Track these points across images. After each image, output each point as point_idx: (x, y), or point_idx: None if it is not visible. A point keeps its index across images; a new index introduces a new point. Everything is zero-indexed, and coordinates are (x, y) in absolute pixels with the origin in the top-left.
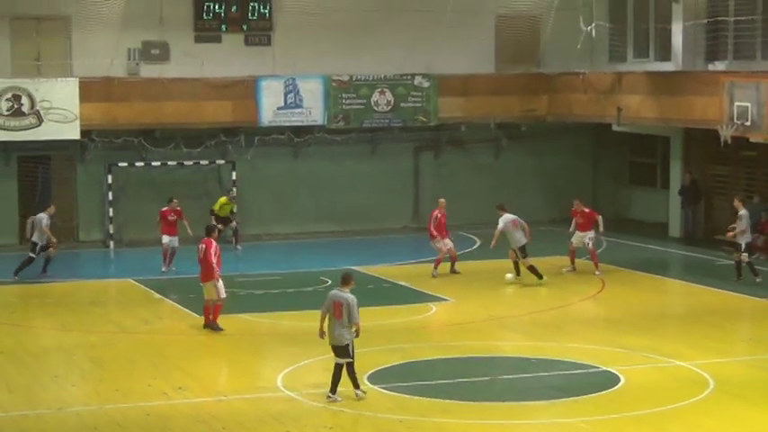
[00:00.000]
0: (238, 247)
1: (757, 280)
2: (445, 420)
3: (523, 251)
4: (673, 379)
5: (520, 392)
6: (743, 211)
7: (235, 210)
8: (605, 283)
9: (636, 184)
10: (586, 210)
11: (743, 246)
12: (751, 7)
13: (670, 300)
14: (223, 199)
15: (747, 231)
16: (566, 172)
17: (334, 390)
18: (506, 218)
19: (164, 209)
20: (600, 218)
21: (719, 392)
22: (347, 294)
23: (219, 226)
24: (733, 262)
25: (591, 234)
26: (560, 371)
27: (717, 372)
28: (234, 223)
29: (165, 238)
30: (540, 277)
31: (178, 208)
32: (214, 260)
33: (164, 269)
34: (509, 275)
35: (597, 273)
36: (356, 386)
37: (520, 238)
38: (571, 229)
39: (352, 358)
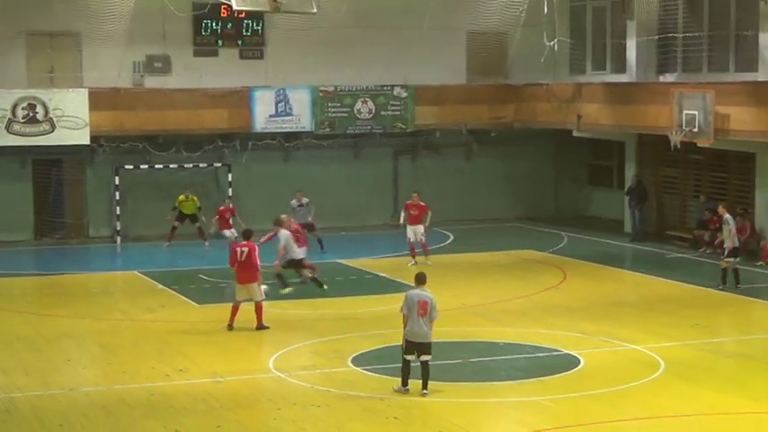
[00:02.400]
0: (206, 243)
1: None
2: (422, 399)
3: (300, 264)
4: (627, 361)
5: (490, 373)
6: (727, 216)
7: (199, 206)
8: (566, 274)
9: (594, 185)
10: (422, 203)
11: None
12: (698, 25)
13: (625, 289)
14: (181, 197)
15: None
16: (531, 174)
17: (406, 383)
18: (285, 233)
19: (220, 208)
20: (429, 213)
21: (669, 373)
22: (429, 293)
23: (176, 223)
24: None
25: (421, 228)
26: (526, 354)
27: (667, 354)
28: (198, 223)
29: (227, 232)
30: (322, 286)
31: (231, 206)
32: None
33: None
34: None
35: (429, 263)
36: (426, 385)
37: (299, 251)
38: (401, 221)
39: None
